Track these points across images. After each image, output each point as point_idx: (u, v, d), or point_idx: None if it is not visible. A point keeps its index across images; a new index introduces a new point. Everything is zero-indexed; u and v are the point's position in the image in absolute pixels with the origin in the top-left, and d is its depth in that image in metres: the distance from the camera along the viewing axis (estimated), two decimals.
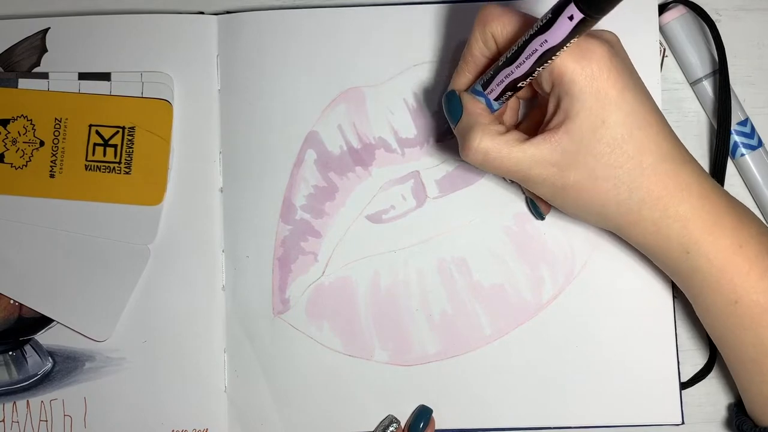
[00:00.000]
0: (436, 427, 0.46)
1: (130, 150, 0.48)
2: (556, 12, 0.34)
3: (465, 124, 0.39)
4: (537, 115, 0.43)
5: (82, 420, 0.47)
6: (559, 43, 0.34)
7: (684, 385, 0.46)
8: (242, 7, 0.49)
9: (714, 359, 0.47)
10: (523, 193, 0.46)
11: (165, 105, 0.48)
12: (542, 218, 0.46)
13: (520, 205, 0.47)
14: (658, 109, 0.39)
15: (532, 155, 0.37)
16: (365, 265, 0.47)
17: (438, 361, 0.47)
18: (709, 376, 0.47)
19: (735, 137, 0.47)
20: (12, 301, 0.48)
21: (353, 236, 0.47)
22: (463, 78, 0.41)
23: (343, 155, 0.47)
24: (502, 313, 0.46)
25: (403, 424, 0.46)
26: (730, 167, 0.48)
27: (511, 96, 0.39)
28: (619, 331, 0.46)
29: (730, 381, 0.47)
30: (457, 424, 0.46)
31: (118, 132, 0.48)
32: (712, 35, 0.46)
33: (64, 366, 0.48)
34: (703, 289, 0.40)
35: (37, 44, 0.48)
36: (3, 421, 0.47)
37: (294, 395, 0.47)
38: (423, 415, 0.46)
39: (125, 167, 0.48)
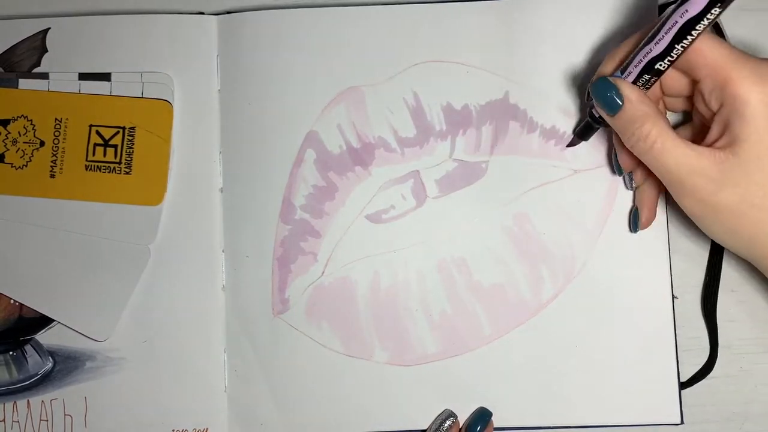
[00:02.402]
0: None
1: (131, 150, 0.48)
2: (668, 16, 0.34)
3: (633, 112, 0.38)
4: (689, 133, 0.43)
5: (82, 420, 0.47)
6: (700, 12, 0.34)
7: (684, 385, 0.46)
8: (242, 7, 0.49)
9: (714, 359, 0.47)
10: (633, 199, 0.45)
11: (165, 105, 0.48)
12: (636, 231, 0.45)
13: (520, 205, 0.47)
14: None
15: (694, 161, 0.37)
16: (365, 265, 0.47)
17: (438, 361, 0.47)
18: (709, 376, 0.47)
19: None
20: (12, 301, 0.48)
21: (353, 236, 0.47)
22: (613, 64, 0.41)
23: (343, 155, 0.47)
24: (502, 313, 0.46)
25: (390, 424, 0.46)
26: None
27: (649, 82, 0.38)
28: (619, 331, 0.46)
29: (730, 381, 0.47)
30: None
31: (118, 132, 0.48)
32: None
33: (65, 366, 0.48)
34: None
35: (37, 44, 0.48)
36: (3, 420, 0.47)
37: (294, 395, 0.47)
38: (482, 417, 0.46)
39: (125, 167, 0.48)
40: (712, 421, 0.47)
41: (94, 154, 0.48)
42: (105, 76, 0.48)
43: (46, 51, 0.48)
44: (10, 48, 0.48)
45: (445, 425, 0.45)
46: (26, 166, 0.48)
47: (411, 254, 0.47)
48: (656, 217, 0.46)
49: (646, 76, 0.39)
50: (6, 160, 0.48)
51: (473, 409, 0.46)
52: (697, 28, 0.35)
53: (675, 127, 0.43)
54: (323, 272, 0.47)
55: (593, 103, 0.41)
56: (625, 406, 0.46)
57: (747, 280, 0.47)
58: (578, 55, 0.47)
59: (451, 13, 0.47)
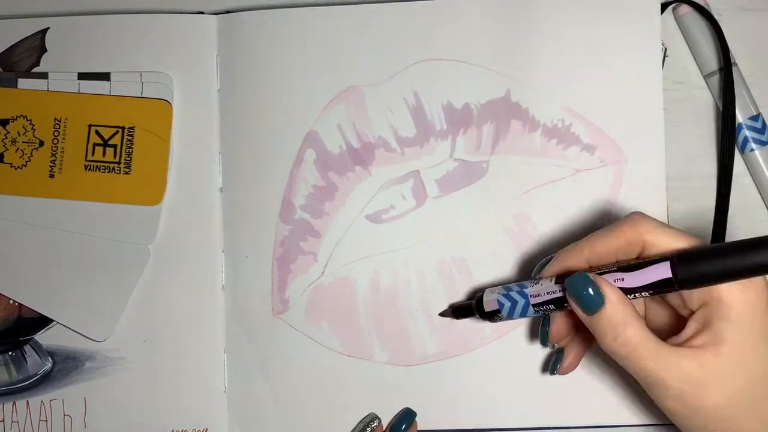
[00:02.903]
0: (438, 428, 0.46)
1: (130, 150, 0.48)
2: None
3: (614, 315, 0.37)
4: (657, 317, 0.42)
5: (81, 420, 0.47)
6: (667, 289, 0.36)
7: None
8: (242, 7, 0.48)
9: None
10: (543, 317, 0.43)
11: (164, 105, 0.48)
12: (553, 373, 0.44)
13: (520, 204, 0.47)
14: None
15: (678, 366, 0.36)
16: (365, 265, 0.47)
17: (438, 361, 0.47)
18: None
19: (746, 132, 0.47)
20: (11, 301, 0.48)
21: (353, 236, 0.47)
22: (577, 261, 0.39)
23: (343, 155, 0.47)
24: None
25: (385, 425, 0.46)
26: (740, 163, 0.48)
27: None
28: None
29: None
30: (456, 424, 0.46)
31: (117, 132, 0.48)
32: (716, 33, 0.46)
33: (64, 366, 0.48)
34: None
35: (36, 44, 0.48)
36: (3, 421, 0.47)
37: (294, 395, 0.47)
38: (406, 417, 0.46)
39: (125, 167, 0.48)
40: None
41: (93, 154, 0.48)
42: (104, 76, 0.48)
43: (46, 50, 0.48)
44: (10, 48, 0.48)
45: (369, 429, 0.46)
46: (25, 165, 0.48)
47: (411, 254, 0.47)
48: (657, 217, 0.46)
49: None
50: (5, 159, 0.48)
51: (472, 409, 0.46)
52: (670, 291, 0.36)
53: None
54: (323, 272, 0.47)
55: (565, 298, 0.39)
56: (625, 406, 0.46)
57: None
58: (580, 54, 0.47)
59: (451, 11, 0.47)
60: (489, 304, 0.42)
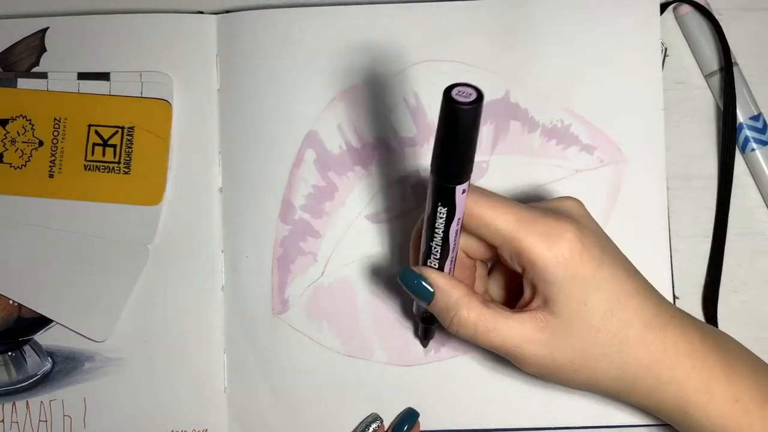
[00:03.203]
0: (438, 428, 0.46)
1: (130, 150, 0.48)
2: (429, 195, 0.34)
3: (445, 300, 0.38)
4: (503, 282, 0.42)
5: (81, 420, 0.47)
6: (431, 212, 0.35)
7: None
8: (241, 6, 0.48)
9: None
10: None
11: (164, 105, 0.48)
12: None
13: None
14: (637, 272, 0.39)
15: (520, 332, 0.37)
16: (365, 265, 0.47)
17: (438, 361, 0.47)
18: None
19: (746, 132, 0.47)
20: (11, 301, 0.48)
21: (353, 236, 0.47)
22: (415, 252, 0.40)
23: (343, 155, 0.47)
24: None
25: (386, 425, 0.46)
26: (740, 163, 0.48)
27: (448, 252, 0.37)
28: None
29: None
30: (456, 424, 0.46)
31: (117, 132, 0.48)
32: (717, 33, 0.46)
33: (64, 366, 0.48)
34: None
35: (36, 44, 0.48)
36: (2, 421, 0.47)
37: (294, 395, 0.47)
38: (409, 417, 0.46)
39: (124, 167, 0.48)
40: None
41: (93, 154, 0.48)
42: (104, 76, 0.48)
43: (45, 50, 0.48)
44: (9, 47, 0.48)
45: (370, 429, 0.46)
46: (25, 165, 0.48)
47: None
48: (657, 217, 0.46)
49: (442, 245, 0.36)
50: (5, 159, 0.48)
51: (473, 410, 0.46)
52: (437, 226, 0.35)
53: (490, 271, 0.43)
54: (323, 272, 0.47)
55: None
56: (624, 406, 0.46)
57: (747, 280, 0.47)
58: (579, 54, 0.47)
59: (451, 12, 0.47)
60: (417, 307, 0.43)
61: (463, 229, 0.37)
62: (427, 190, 0.34)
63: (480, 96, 0.30)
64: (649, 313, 0.38)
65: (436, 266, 0.38)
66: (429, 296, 0.38)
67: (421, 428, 0.46)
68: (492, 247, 0.38)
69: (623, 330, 0.37)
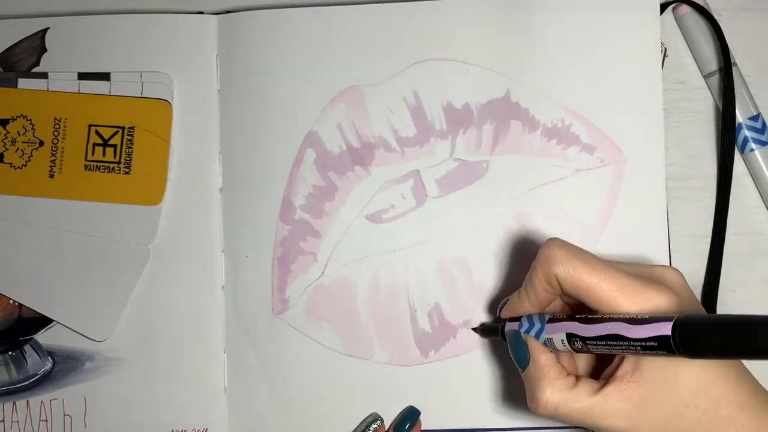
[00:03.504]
0: (438, 428, 0.46)
1: (130, 150, 0.48)
2: (651, 340, 0.33)
3: (534, 375, 0.38)
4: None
5: (81, 420, 0.47)
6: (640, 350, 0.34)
7: None
8: (242, 7, 0.48)
9: None
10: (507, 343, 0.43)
11: (164, 105, 0.48)
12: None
13: (520, 204, 0.46)
14: None
15: (602, 408, 0.36)
16: (365, 265, 0.47)
17: (438, 361, 0.47)
18: None
19: (746, 132, 0.47)
20: (12, 301, 0.48)
21: (353, 236, 0.47)
22: (523, 307, 0.40)
23: (343, 155, 0.47)
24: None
25: (388, 424, 0.46)
26: (740, 163, 0.48)
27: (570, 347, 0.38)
28: None
29: None
30: (456, 424, 0.46)
31: (117, 132, 0.48)
32: (716, 33, 0.47)
33: (64, 366, 0.48)
34: None
35: (36, 44, 0.48)
36: (3, 421, 0.47)
37: (294, 395, 0.47)
38: (410, 416, 0.46)
39: (125, 167, 0.48)
40: None
41: (93, 154, 0.48)
42: (104, 76, 0.48)
43: (46, 50, 0.48)
44: (10, 47, 0.48)
45: (371, 429, 0.46)
46: (25, 165, 0.48)
47: (411, 254, 0.47)
48: (656, 217, 0.46)
49: (577, 344, 0.37)
50: (5, 159, 0.48)
51: (473, 410, 0.46)
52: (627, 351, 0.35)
53: None
54: (323, 272, 0.47)
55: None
56: None
57: (747, 280, 0.47)
58: (580, 54, 0.47)
59: (451, 11, 0.47)
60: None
61: (562, 291, 0.37)
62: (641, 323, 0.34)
63: None
64: (743, 394, 0.36)
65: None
66: (523, 363, 0.39)
67: (422, 428, 0.46)
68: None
69: (714, 408, 0.36)
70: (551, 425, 0.46)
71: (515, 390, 0.46)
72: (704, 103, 0.49)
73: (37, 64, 0.48)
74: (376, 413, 0.46)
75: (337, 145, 0.47)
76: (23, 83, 0.48)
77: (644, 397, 0.36)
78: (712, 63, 0.48)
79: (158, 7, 0.49)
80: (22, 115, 0.48)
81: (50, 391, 0.48)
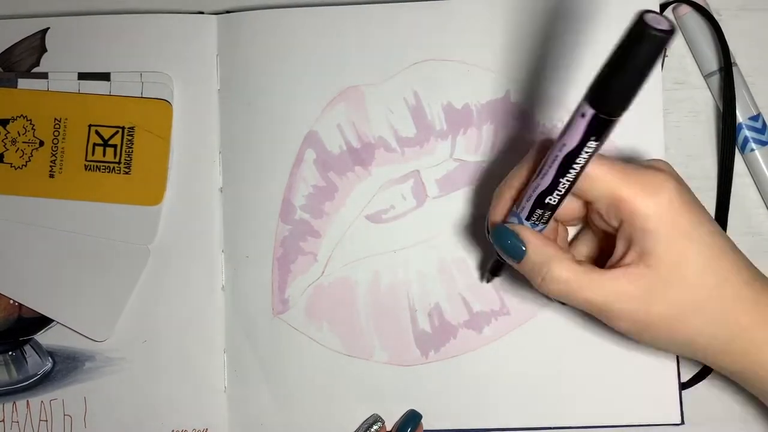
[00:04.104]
0: (438, 428, 0.46)
1: (130, 150, 0.48)
2: (573, 114, 0.33)
3: (537, 258, 0.37)
4: (590, 248, 0.42)
5: (82, 420, 0.47)
6: (577, 145, 0.33)
7: (684, 385, 0.46)
8: (242, 7, 0.48)
9: None
10: (495, 256, 0.43)
11: (164, 105, 0.48)
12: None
13: None
14: (727, 236, 0.38)
15: (613, 288, 0.36)
16: (365, 265, 0.47)
17: (438, 361, 0.47)
18: (709, 376, 0.47)
19: (746, 132, 0.47)
20: (12, 301, 0.48)
21: (353, 236, 0.47)
22: (503, 203, 0.39)
23: (343, 155, 0.47)
24: (502, 313, 0.46)
25: (390, 427, 0.46)
26: (740, 163, 0.48)
27: (543, 216, 0.37)
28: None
29: (730, 381, 0.46)
30: (457, 424, 0.46)
31: (117, 132, 0.48)
32: (716, 33, 0.47)
33: (64, 366, 0.48)
34: None
35: (36, 44, 0.48)
36: (3, 421, 0.47)
37: (294, 395, 0.47)
38: (412, 419, 0.46)
39: (125, 167, 0.48)
40: (712, 421, 0.47)
41: (93, 154, 0.48)
42: (104, 76, 0.48)
43: (46, 51, 0.48)
44: (10, 48, 0.48)
45: (372, 430, 0.46)
46: (25, 165, 0.48)
47: (411, 254, 0.47)
48: None
49: (539, 211, 0.37)
50: (5, 159, 0.48)
51: (473, 410, 0.46)
52: (577, 161, 0.34)
53: (573, 240, 0.43)
54: (323, 272, 0.47)
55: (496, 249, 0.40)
56: (625, 406, 0.46)
57: None
58: (580, 54, 0.47)
59: (451, 11, 0.47)
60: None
61: None
62: (569, 121, 0.33)
63: (673, 29, 0.28)
64: (746, 272, 0.37)
65: (555, 203, 0.36)
66: (521, 254, 0.38)
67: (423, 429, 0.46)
68: (582, 208, 0.38)
69: (720, 286, 0.37)
70: (551, 425, 0.46)
71: (515, 390, 0.46)
72: (704, 103, 0.49)
73: (37, 64, 0.48)
74: (377, 415, 0.46)
75: (337, 145, 0.47)
76: (23, 83, 0.48)
77: (653, 280, 0.36)
78: (713, 63, 0.48)
79: (158, 7, 0.49)
80: (22, 115, 0.48)
81: (50, 391, 0.48)
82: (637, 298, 0.36)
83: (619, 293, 0.36)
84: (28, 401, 0.48)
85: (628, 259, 0.37)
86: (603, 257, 0.40)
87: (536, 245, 0.37)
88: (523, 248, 0.37)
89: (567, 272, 0.37)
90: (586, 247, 0.42)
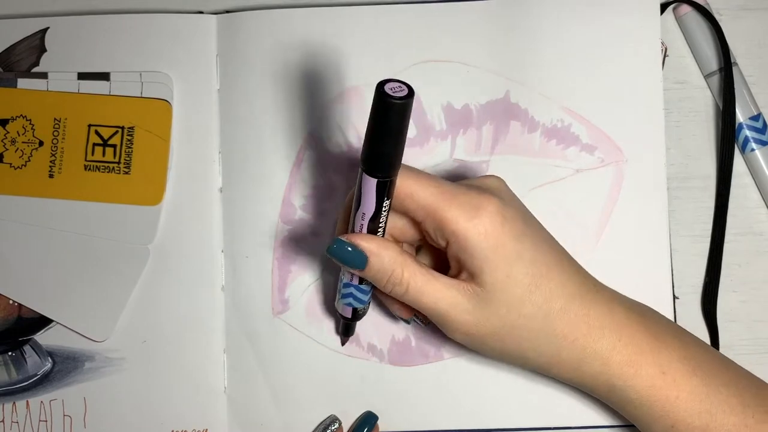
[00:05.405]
0: (438, 428, 0.46)
1: (130, 150, 0.48)
2: (358, 183, 0.35)
3: (379, 263, 0.37)
4: (431, 260, 0.43)
5: (81, 420, 0.47)
6: (375, 210, 0.36)
7: None
8: (242, 7, 0.48)
9: None
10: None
11: (164, 105, 0.48)
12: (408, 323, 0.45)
13: None
14: (560, 247, 0.40)
15: (450, 296, 0.38)
16: None
17: (438, 361, 0.47)
18: None
19: (746, 132, 0.47)
20: (11, 301, 0.48)
21: None
22: (345, 225, 0.40)
23: (343, 155, 0.47)
24: None
25: (388, 426, 0.46)
26: (740, 163, 0.48)
27: (376, 232, 0.38)
28: None
29: None
30: (457, 424, 0.46)
31: (117, 132, 0.48)
32: (716, 33, 0.47)
33: (64, 366, 0.48)
34: (638, 417, 0.40)
35: (36, 44, 0.48)
36: (2, 421, 0.47)
37: (294, 395, 0.47)
38: (368, 420, 0.46)
39: (124, 167, 0.48)
40: None
41: (93, 154, 0.48)
42: (104, 76, 0.48)
43: (45, 50, 0.48)
44: (9, 47, 0.48)
45: (329, 431, 0.46)
46: (25, 165, 0.48)
47: None
48: (657, 217, 0.46)
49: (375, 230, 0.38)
50: (5, 159, 0.48)
51: (473, 410, 0.46)
52: (381, 220, 0.36)
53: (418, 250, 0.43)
54: (323, 272, 0.47)
55: (341, 270, 0.40)
56: None
57: (747, 280, 0.47)
58: (580, 54, 0.47)
59: (451, 12, 0.47)
60: (345, 311, 0.43)
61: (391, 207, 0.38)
62: (358, 189, 0.36)
63: (411, 92, 0.31)
64: (572, 285, 0.38)
65: (382, 231, 0.38)
66: (363, 261, 0.37)
67: (421, 429, 0.46)
68: (417, 227, 0.39)
69: (547, 302, 0.38)
70: (551, 425, 0.46)
71: (514, 390, 0.46)
72: (704, 103, 0.49)
73: (36, 64, 0.48)
74: (334, 415, 0.46)
75: (337, 145, 0.47)
76: (23, 83, 0.48)
77: (483, 296, 0.37)
78: (713, 63, 0.48)
79: (158, 7, 0.49)
80: (21, 115, 0.48)
81: (50, 392, 0.48)
82: (469, 312, 0.38)
83: (454, 303, 0.38)
84: (27, 401, 0.48)
85: (462, 277, 0.38)
86: (444, 272, 0.40)
87: (376, 250, 0.37)
88: (365, 255, 0.37)
89: (408, 274, 0.37)
90: (427, 261, 0.43)
